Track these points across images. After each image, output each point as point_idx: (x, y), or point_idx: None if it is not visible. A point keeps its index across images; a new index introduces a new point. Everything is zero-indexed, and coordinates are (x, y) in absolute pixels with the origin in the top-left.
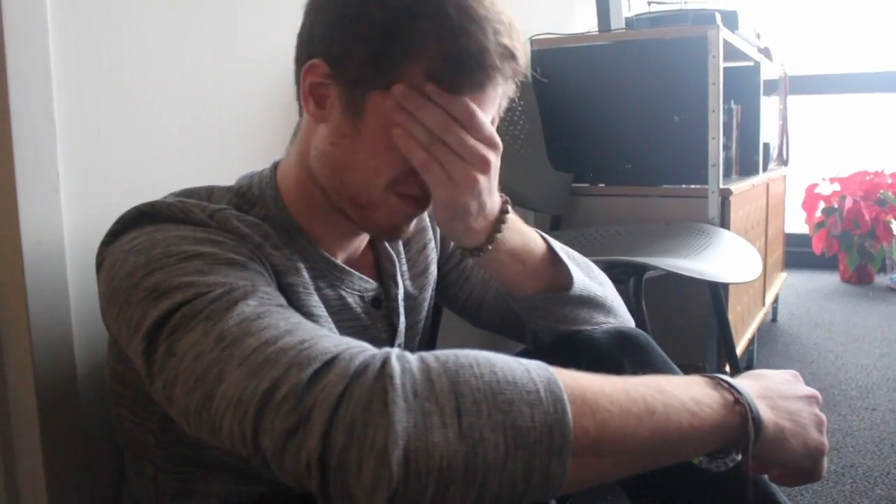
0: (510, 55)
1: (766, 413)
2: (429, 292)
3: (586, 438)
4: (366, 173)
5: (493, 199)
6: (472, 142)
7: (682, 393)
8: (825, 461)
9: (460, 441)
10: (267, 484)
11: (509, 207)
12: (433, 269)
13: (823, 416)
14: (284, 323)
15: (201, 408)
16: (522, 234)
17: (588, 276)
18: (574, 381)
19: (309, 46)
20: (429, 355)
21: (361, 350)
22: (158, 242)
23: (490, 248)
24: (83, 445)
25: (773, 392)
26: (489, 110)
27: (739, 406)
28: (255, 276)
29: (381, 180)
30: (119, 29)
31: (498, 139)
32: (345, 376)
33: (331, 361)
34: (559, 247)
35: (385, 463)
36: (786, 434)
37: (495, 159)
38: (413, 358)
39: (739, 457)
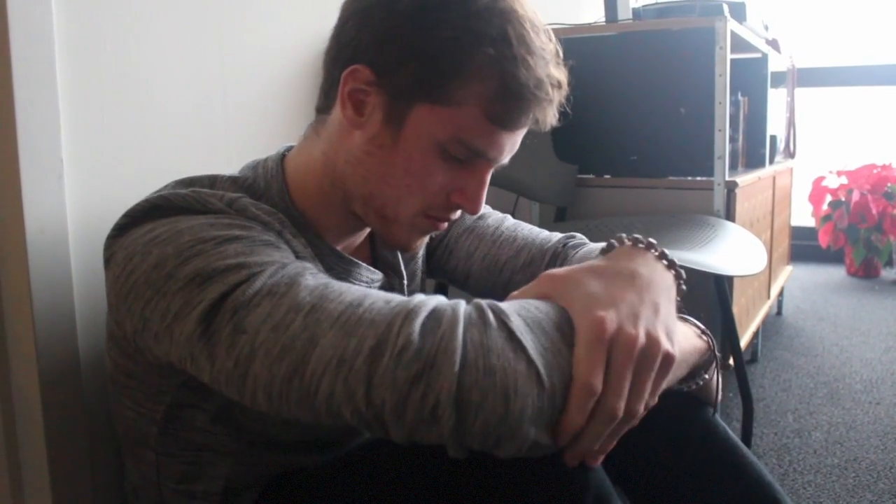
0: (559, 85)
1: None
2: (418, 280)
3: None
4: (398, 189)
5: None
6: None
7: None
8: None
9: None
10: (273, 467)
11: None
12: (421, 252)
13: None
14: (355, 289)
15: (292, 375)
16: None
17: None
18: None
19: (352, 51)
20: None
21: (445, 300)
22: (185, 231)
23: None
24: (86, 432)
25: None
26: (520, 136)
27: (706, 336)
28: (292, 256)
29: (414, 201)
30: (123, 16)
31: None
32: (456, 321)
33: (433, 312)
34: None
35: (531, 379)
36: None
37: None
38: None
39: (707, 375)
